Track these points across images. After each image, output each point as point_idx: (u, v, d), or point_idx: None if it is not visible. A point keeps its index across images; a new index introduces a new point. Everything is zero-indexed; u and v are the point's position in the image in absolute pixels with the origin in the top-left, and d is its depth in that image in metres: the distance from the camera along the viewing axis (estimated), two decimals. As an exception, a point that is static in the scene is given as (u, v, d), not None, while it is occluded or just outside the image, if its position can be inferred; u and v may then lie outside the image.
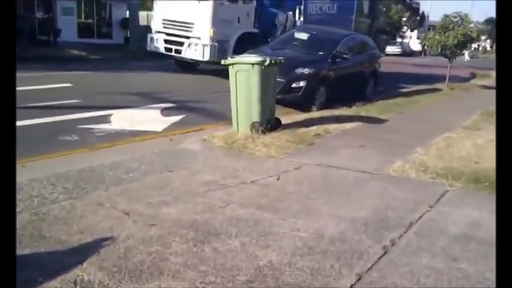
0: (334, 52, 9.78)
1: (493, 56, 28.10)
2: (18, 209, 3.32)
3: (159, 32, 12.81)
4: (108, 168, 4.54)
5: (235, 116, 6.36)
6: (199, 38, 11.82)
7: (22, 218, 3.22)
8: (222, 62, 6.37)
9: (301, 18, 13.95)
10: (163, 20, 12.64)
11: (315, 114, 8.06)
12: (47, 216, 3.30)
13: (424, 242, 3.19)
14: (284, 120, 6.98)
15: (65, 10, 20.60)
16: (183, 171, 4.60)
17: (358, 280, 2.64)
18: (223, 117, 7.22)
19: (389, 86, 13.37)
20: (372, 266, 2.82)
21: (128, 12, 22.88)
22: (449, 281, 2.73)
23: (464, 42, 13.96)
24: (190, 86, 10.41)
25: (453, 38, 13.48)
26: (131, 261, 2.71)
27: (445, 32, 13.71)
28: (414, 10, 54.90)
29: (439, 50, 13.96)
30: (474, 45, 49.31)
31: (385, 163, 5.16)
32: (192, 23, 11.96)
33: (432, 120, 8.51)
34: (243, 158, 5.19)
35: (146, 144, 5.81)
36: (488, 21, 53.59)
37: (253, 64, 6.14)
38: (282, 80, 8.49)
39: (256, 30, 13.03)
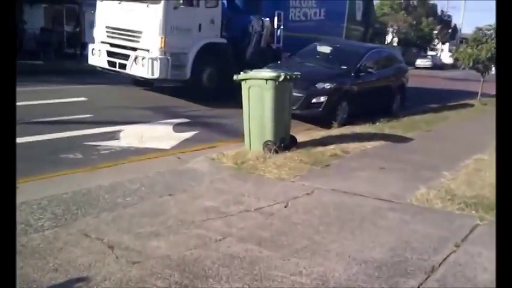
0: (358, 66, 9.38)
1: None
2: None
3: (102, 42, 10.25)
4: (105, 190, 4.24)
5: (248, 134, 6.03)
6: (147, 51, 9.31)
7: (-5, 250, 2.93)
8: (234, 77, 6.04)
9: (281, 26, 11.48)
10: (106, 27, 10.11)
11: (334, 131, 7.63)
12: (25, 249, 3.00)
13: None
14: (300, 137, 6.60)
15: (92, 24, 20.85)
16: (183, 195, 4.26)
17: None
18: (238, 133, 6.86)
19: (417, 100, 12.76)
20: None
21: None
22: None
23: (498, 56, 13.28)
24: (209, 100, 10.02)
25: (486, 51, 12.88)
26: (102, 308, 2.37)
27: (477, 45, 13.13)
28: (446, 23, 53.63)
29: (471, 63, 13.33)
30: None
31: (407, 189, 4.68)
32: (140, 32, 9.44)
33: (462, 139, 7.93)
34: (251, 180, 4.81)
35: (152, 163, 5.51)
36: (524, 33, 51.74)
37: (266, 79, 5.82)
38: (301, 94, 8.18)
39: (223, 40, 10.42)
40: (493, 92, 17.53)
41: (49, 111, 7.55)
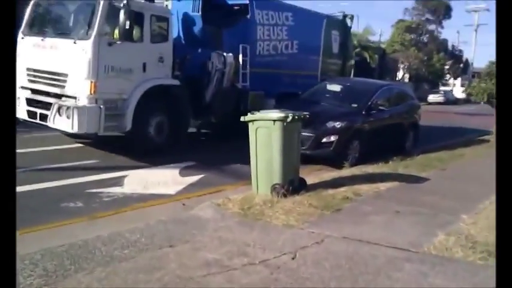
0: (369, 104, 9.21)
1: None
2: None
3: (22, 87, 7.95)
4: (103, 242, 4.02)
5: (255, 177, 5.82)
6: (74, 98, 7.27)
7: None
8: (241, 119, 5.89)
9: (248, 62, 10.03)
10: (27, 69, 7.92)
11: (346, 171, 7.37)
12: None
13: None
14: (310, 179, 6.36)
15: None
16: (185, 246, 4.01)
17: None
18: (246, 176, 6.64)
19: (431, 137, 12.47)
20: None
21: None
22: None
23: (513, 90, 13.03)
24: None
25: (500, 85, 12.63)
26: None
27: (491, 79, 12.89)
28: (457, 57, 53.80)
29: (486, 98, 13.09)
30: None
31: (424, 236, 4.37)
32: (65, 74, 7.40)
33: (480, 178, 7.58)
34: (257, 228, 4.55)
35: (155, 210, 5.31)
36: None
37: (274, 120, 5.66)
38: (311, 134, 8.00)
39: (175, 82, 8.57)
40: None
41: (55, 157, 7.45)
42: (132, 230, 4.35)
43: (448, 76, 52.49)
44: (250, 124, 5.83)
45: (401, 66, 45.64)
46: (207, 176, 6.96)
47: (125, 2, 7.20)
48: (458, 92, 47.05)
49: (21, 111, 7.89)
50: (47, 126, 7.68)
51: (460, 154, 10.02)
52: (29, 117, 7.87)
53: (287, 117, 5.64)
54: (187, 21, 10.20)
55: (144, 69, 7.91)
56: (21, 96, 7.95)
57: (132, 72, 7.71)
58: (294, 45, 11.65)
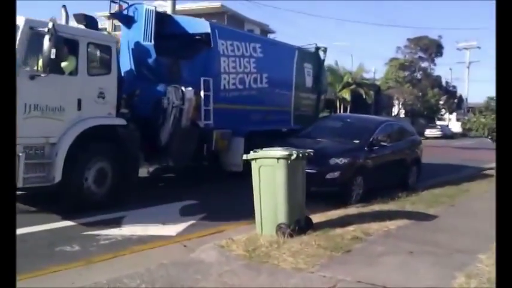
0: (370, 140, 9.10)
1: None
2: None
3: None
4: (100, 290, 3.76)
5: (259, 217, 5.60)
6: None
7: None
8: (244, 157, 5.72)
9: (210, 97, 9.03)
10: None
11: (352, 209, 7.15)
12: None
13: None
14: (316, 218, 6.14)
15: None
16: (188, 294, 3.75)
17: None
18: (248, 216, 6.39)
19: (433, 172, 12.30)
20: None
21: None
22: None
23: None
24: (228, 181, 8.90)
25: (500, 120, 12.68)
26: None
27: (490, 115, 12.92)
28: (451, 93, 54.54)
29: (486, 133, 13.07)
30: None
31: (442, 278, 4.12)
32: None
33: (490, 213, 7.28)
34: (264, 271, 4.29)
35: (155, 253, 5.04)
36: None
37: (278, 158, 5.49)
38: (314, 171, 7.80)
39: (120, 121, 7.24)
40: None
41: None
42: (131, 276, 4.10)
43: (443, 111, 53.02)
44: (253, 162, 5.65)
45: (397, 102, 46.12)
46: (208, 215, 6.71)
47: (50, 26, 5.89)
48: (455, 126, 47.38)
49: None
50: None
51: (466, 189, 9.81)
52: None
53: (291, 155, 5.48)
54: (139, 51, 8.80)
55: (80, 107, 6.57)
56: None
57: (64, 110, 6.36)
58: (264, 78, 10.70)
